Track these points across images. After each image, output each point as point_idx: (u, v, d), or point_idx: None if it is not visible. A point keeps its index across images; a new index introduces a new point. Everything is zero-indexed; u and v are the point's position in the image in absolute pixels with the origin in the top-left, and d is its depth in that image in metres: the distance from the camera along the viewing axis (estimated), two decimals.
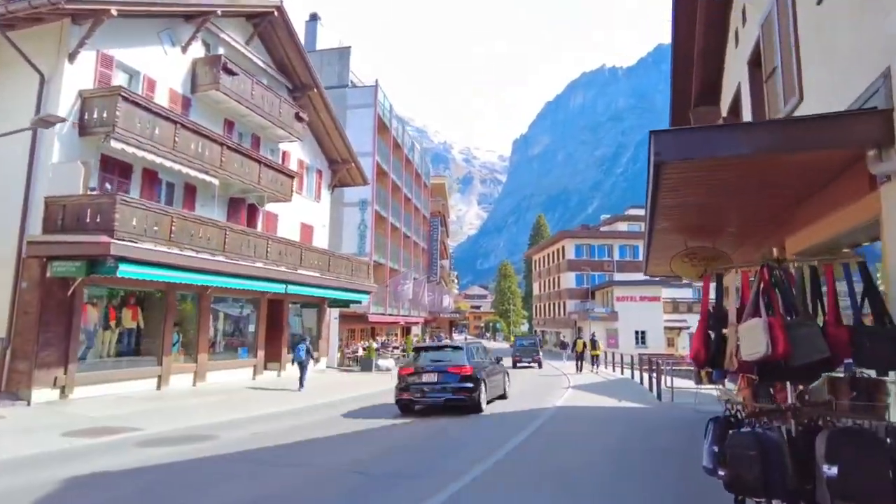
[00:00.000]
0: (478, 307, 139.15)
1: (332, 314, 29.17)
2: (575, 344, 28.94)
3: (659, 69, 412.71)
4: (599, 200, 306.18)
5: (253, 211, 20.01)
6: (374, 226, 30.51)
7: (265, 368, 20.79)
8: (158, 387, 15.54)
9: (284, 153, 22.41)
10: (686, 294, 47.56)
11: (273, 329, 21.21)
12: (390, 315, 34.41)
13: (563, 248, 52.44)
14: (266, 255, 17.51)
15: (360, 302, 24.32)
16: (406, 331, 43.72)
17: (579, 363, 27.06)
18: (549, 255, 58.60)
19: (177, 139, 15.27)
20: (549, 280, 58.50)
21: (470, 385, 12.02)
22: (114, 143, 13.56)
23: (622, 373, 24.84)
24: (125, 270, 12.18)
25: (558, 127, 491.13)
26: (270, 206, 21.29)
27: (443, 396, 11.99)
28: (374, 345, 30.01)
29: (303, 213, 23.58)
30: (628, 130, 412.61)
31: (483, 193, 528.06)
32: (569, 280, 51.10)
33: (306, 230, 23.77)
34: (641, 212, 62.55)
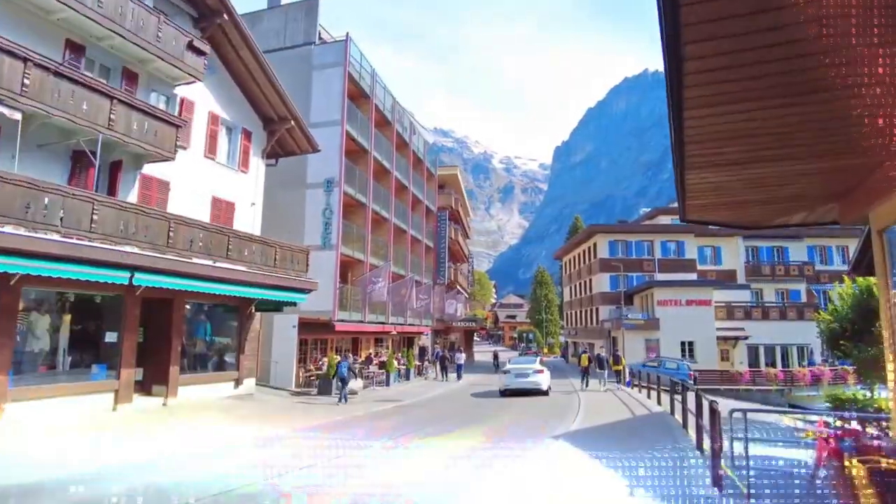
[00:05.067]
0: (513, 317, 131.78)
1: (290, 321, 23.33)
2: (580, 359, 27.28)
3: None
4: (645, 206, 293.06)
5: (116, 172, 14.19)
6: (341, 211, 24.41)
7: (141, 392, 14.87)
8: None
9: (184, 101, 16.60)
10: (743, 297, 39.47)
11: (157, 339, 15.31)
12: (373, 323, 28.15)
13: (595, 245, 44.97)
14: (90, 227, 11.54)
15: (294, 303, 18.15)
16: (407, 342, 37.37)
17: (585, 379, 25.62)
18: (579, 255, 51.14)
19: None
20: (579, 284, 50.97)
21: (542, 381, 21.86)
22: None
23: (659, 401, 17.76)
24: None
25: (601, 133, 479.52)
26: (156, 171, 15.47)
27: None
28: (338, 360, 23.83)
29: (216, 185, 17.71)
30: None
31: (524, 203, 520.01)
32: (602, 283, 43.59)
33: (222, 208, 17.87)
34: None
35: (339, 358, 25.87)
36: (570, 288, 55.17)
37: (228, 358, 17.87)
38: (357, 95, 27.69)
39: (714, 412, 6.55)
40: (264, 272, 16.55)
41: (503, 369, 24.35)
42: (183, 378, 15.84)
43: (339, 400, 18.37)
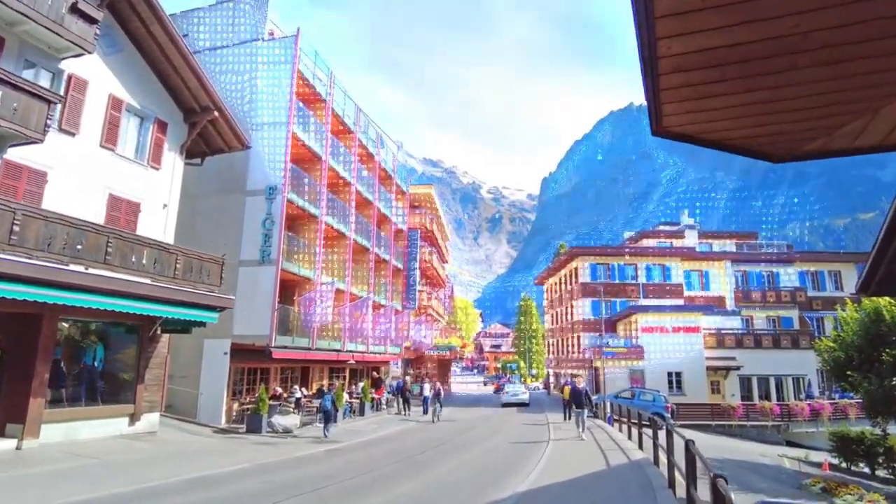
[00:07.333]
0: (498, 346, 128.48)
1: (222, 347, 20.37)
2: (563, 391, 25.14)
3: None
4: None
5: None
6: (284, 222, 21.57)
7: None
8: None
9: (73, 78, 13.89)
10: (733, 323, 36.85)
11: (18, 365, 12.28)
12: (324, 351, 25.06)
13: (577, 269, 42.29)
14: None
15: (202, 323, 15.15)
16: (370, 373, 34.14)
17: (567, 412, 23.57)
18: (560, 279, 48.47)
19: None
20: (561, 310, 48.15)
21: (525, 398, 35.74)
22: None
23: (640, 444, 14.86)
24: None
25: (587, 165, 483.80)
26: (28, 157, 12.64)
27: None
28: (277, 391, 20.77)
29: (115, 181, 14.87)
30: (659, 168, 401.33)
31: (512, 232, 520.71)
32: (584, 308, 40.79)
33: (122, 208, 14.99)
34: (673, 229, 51.94)
35: (279, 390, 22.81)
36: (552, 315, 52.38)
37: (123, 389, 14.77)
38: (311, 98, 25.21)
39: (721, 497, 3.68)
40: (161, 283, 13.63)
41: (503, 391, 38.41)
42: (52, 414, 12.76)
43: (325, 434, 17.66)
